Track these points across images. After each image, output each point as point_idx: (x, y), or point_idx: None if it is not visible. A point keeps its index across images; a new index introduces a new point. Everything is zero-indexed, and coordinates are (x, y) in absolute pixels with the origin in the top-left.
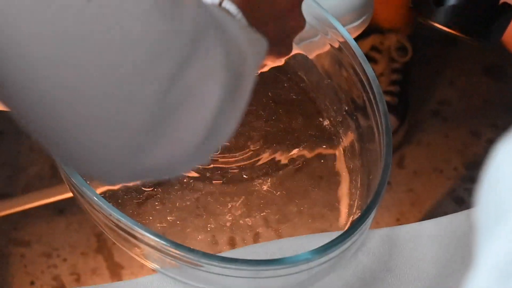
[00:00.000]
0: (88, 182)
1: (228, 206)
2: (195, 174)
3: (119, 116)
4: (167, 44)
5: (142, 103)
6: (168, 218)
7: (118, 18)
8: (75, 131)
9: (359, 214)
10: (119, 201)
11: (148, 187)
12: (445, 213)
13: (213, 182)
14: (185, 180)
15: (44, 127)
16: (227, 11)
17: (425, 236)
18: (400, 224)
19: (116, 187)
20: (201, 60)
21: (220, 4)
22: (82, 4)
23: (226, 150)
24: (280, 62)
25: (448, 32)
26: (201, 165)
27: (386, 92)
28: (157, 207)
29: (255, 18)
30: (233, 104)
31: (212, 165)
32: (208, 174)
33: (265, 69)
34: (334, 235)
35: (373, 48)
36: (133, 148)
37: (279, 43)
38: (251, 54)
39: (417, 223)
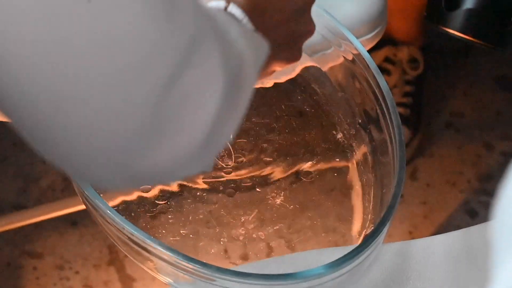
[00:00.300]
0: (101, 195)
1: (241, 219)
2: (207, 186)
3: (116, 121)
4: (163, 47)
5: (139, 107)
6: (181, 231)
7: (111, 22)
8: (71, 136)
9: (373, 228)
10: (132, 214)
11: (161, 201)
12: (458, 226)
13: (226, 195)
14: (198, 193)
15: (41, 133)
16: (232, 16)
17: (439, 250)
18: (412, 237)
19: (130, 198)
20: (199, 64)
21: (225, 8)
22: (78, 8)
23: (239, 162)
24: (292, 71)
25: (462, 38)
26: (213, 178)
27: (399, 104)
28: (170, 221)
29: (262, 23)
30: (233, 109)
31: (225, 178)
32: (221, 187)
33: (280, 80)
34: (347, 249)
35: (387, 59)
36: (131, 152)
37: (288, 48)
38: (251, 59)
39: (431, 237)
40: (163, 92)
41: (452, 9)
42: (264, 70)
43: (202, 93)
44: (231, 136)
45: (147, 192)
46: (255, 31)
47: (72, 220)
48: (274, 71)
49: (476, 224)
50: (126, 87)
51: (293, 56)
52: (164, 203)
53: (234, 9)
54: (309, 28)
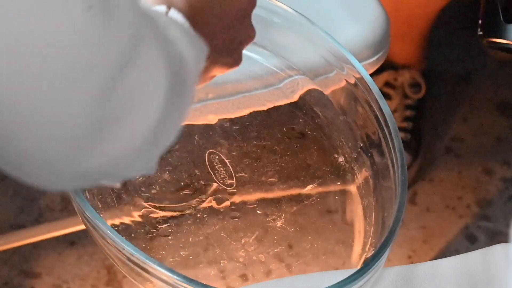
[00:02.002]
0: (101, 215)
1: (241, 241)
2: (207, 207)
3: (58, 120)
4: (103, 49)
5: (79, 107)
6: (181, 252)
7: (45, 25)
8: (13, 136)
9: (373, 251)
10: (132, 234)
11: (162, 222)
12: (458, 251)
13: (227, 217)
14: (198, 215)
15: None
16: (173, 20)
17: (439, 275)
18: (411, 261)
19: (130, 219)
20: (141, 64)
21: (166, 13)
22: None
23: (239, 184)
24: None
25: None
26: (214, 200)
27: (399, 129)
28: (170, 242)
29: (203, 28)
30: (175, 109)
31: (227, 201)
32: (221, 209)
33: (281, 103)
34: (347, 273)
35: (387, 84)
36: (74, 150)
37: (228, 54)
38: (192, 59)
39: (431, 262)
40: (107, 91)
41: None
42: (205, 74)
43: (145, 92)
44: (174, 138)
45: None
46: (195, 34)
47: (70, 240)
48: (214, 76)
49: (476, 249)
50: (69, 89)
51: (234, 61)
52: (165, 225)
53: (175, 14)
54: (249, 34)
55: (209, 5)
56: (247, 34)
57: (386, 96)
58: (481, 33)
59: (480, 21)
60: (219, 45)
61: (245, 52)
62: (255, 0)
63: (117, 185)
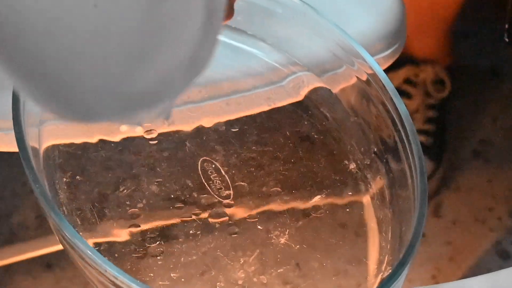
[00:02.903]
0: (80, 233)
1: (240, 261)
2: (200, 222)
3: (108, 36)
4: None
5: (125, 25)
6: (172, 275)
7: None
8: (61, 62)
9: (390, 271)
10: (116, 255)
11: (149, 240)
12: (489, 269)
13: (223, 233)
14: (191, 232)
15: (26, 63)
16: None
17: None
18: (436, 282)
19: (114, 238)
20: None
21: None
22: None
23: (237, 196)
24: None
25: None
26: (208, 212)
27: (420, 131)
28: (159, 263)
29: None
30: (209, 37)
31: (224, 215)
32: (217, 225)
33: (283, 103)
34: None
35: (407, 81)
36: (119, 74)
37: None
38: None
39: (458, 281)
40: (153, 6)
41: None
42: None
43: (187, 11)
44: (202, 73)
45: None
46: None
47: (46, 262)
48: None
49: (508, 266)
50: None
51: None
52: (153, 243)
53: None
54: None
55: None
56: None
57: (406, 95)
58: (507, 39)
59: (506, 26)
60: None
61: (243, 46)
62: None
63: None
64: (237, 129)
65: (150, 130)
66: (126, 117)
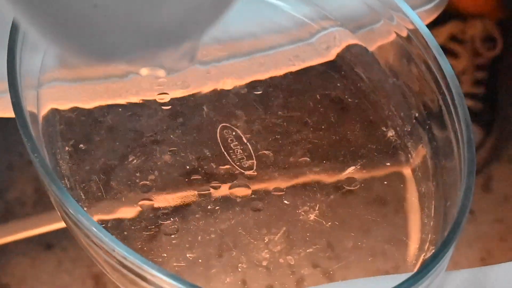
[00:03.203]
0: (85, 209)
1: (264, 240)
2: (221, 193)
3: None
4: None
5: None
6: (188, 255)
7: None
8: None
9: (433, 251)
10: (125, 233)
11: (163, 216)
12: None
13: (246, 209)
14: (209, 207)
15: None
16: None
17: None
18: (485, 264)
19: (123, 215)
20: None
21: None
22: None
23: (261, 167)
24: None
25: None
26: (228, 184)
27: (468, 95)
28: (174, 242)
29: None
30: None
31: (246, 188)
32: (238, 199)
33: (313, 62)
34: (400, 278)
35: (452, 38)
36: (144, 5)
37: None
38: None
39: (509, 263)
40: None
41: None
42: None
43: None
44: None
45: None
46: None
47: (46, 242)
48: None
49: None
50: None
51: None
52: (167, 220)
53: None
54: None
55: None
56: None
57: (452, 54)
58: None
59: None
60: None
61: None
62: None
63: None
64: (260, 92)
65: (163, 93)
66: (148, 56)
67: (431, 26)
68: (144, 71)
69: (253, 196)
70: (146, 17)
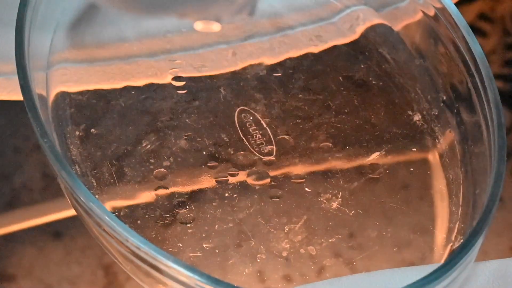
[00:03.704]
0: (96, 196)
1: (284, 229)
2: (237, 182)
3: None
4: None
5: None
6: (204, 245)
7: None
8: None
9: (461, 241)
10: (139, 222)
11: (178, 204)
12: None
13: (265, 196)
14: (226, 195)
15: None
16: None
17: None
18: None
19: (136, 201)
20: None
21: None
22: None
23: (281, 153)
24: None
25: None
26: (246, 171)
27: (498, 76)
28: (190, 231)
29: None
30: None
31: (265, 175)
32: (257, 186)
33: (336, 42)
34: (427, 269)
35: (482, 16)
36: None
37: None
38: None
39: None
40: None
41: None
42: None
43: None
44: None
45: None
46: None
47: (55, 231)
48: None
49: None
50: None
51: None
52: (182, 209)
53: None
54: None
55: None
56: None
57: (481, 33)
58: None
59: None
60: None
61: None
62: None
63: None
64: (280, 74)
65: (178, 76)
66: (202, 9)
67: (459, 4)
68: (198, 25)
69: (272, 183)
70: None
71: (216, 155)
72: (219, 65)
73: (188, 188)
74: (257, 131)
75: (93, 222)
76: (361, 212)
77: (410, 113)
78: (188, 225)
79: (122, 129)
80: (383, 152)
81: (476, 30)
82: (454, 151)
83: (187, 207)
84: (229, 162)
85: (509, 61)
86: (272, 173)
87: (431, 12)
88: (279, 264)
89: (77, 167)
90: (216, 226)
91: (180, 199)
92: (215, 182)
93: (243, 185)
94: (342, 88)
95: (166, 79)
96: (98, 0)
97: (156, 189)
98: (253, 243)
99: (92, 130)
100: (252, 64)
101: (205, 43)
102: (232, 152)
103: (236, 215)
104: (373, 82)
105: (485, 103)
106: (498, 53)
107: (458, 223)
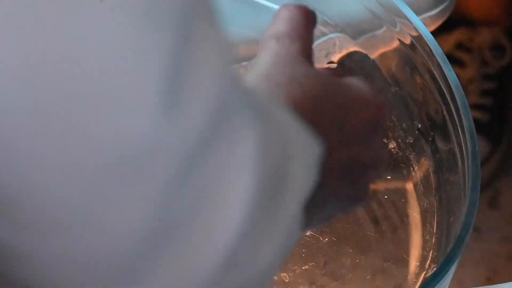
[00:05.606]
0: None
1: None
2: None
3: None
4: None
5: (131, 219)
6: None
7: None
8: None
9: (434, 269)
10: None
11: None
12: None
13: None
14: None
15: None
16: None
17: None
18: (492, 284)
19: None
20: (221, 150)
21: None
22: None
23: None
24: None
25: None
26: None
27: (475, 106)
28: None
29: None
30: (271, 221)
31: None
32: None
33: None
34: None
35: (460, 46)
36: (118, 278)
37: (349, 181)
38: (300, 153)
39: None
40: (170, 192)
41: None
42: (318, 211)
43: (224, 191)
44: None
45: None
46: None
47: None
48: (332, 216)
49: None
50: (116, 191)
51: (356, 192)
52: None
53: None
54: (378, 155)
55: (324, 106)
56: (374, 156)
57: (458, 63)
58: None
59: None
60: (336, 165)
61: (265, 3)
62: (387, 110)
63: None
64: None
65: None
66: None
67: (436, 33)
68: None
69: None
70: None
71: None
72: None
73: None
74: None
75: None
76: (335, 239)
77: (385, 141)
78: None
79: None
80: None
81: (454, 60)
82: (428, 179)
83: None
84: None
85: (486, 91)
86: None
87: (408, 40)
88: None
89: None
90: None
91: None
92: None
93: None
94: None
95: None
96: None
97: None
98: None
99: None
100: None
101: None
102: None
103: None
104: None
105: (460, 131)
106: (475, 82)
107: (431, 251)
